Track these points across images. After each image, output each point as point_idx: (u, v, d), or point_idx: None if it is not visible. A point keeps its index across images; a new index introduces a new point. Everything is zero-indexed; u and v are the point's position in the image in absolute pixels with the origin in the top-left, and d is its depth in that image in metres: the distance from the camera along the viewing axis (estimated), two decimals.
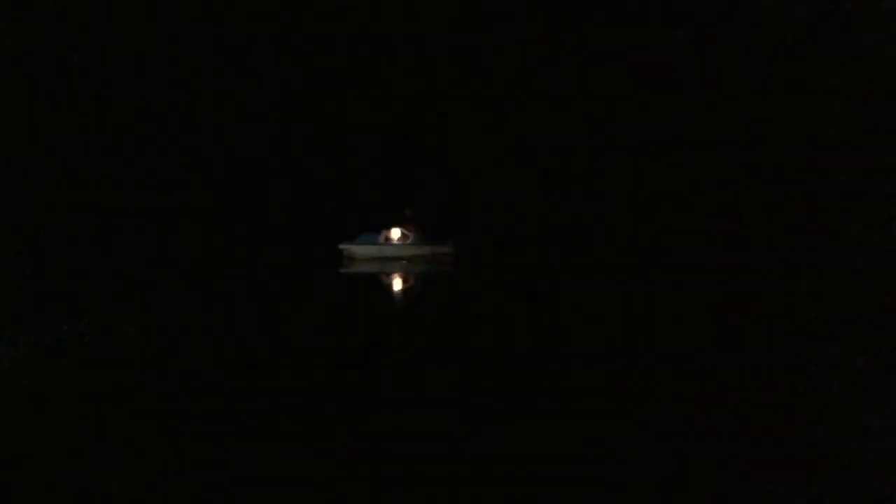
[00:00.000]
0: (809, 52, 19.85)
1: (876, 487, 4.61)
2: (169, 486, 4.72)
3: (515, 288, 14.68)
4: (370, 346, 9.00)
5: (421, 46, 25.71)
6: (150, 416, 6.07)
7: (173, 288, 14.41)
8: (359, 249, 18.72)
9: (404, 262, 18.57)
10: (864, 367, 7.55)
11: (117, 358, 8.19)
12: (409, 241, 18.99)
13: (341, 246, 18.88)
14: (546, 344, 8.99)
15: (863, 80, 18.78)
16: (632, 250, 20.17)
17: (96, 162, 19.01)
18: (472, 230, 22.35)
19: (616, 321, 10.51)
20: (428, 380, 7.30)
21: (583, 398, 6.59)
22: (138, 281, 15.02)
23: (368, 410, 6.26)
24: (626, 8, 23.62)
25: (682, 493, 4.66)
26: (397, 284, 16.03)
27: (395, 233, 18.94)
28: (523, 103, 26.12)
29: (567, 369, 7.66)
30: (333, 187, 26.05)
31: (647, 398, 6.59)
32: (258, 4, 24.48)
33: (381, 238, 19.03)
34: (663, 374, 7.45)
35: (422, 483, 4.78)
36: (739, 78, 21.74)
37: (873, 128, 18.58)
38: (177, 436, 5.61)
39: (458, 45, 25.64)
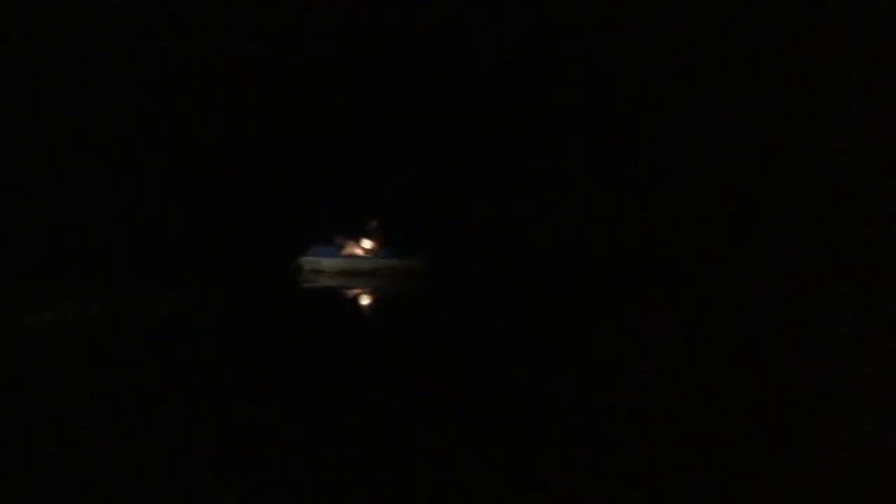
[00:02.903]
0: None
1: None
2: None
3: (494, 308, 13.46)
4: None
5: (390, 42, 24.45)
6: None
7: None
8: (327, 262, 17.29)
9: (375, 276, 17.25)
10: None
11: None
12: (379, 254, 17.68)
13: (304, 258, 17.41)
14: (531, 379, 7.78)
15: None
16: (619, 261, 19.01)
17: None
18: (441, 243, 21.08)
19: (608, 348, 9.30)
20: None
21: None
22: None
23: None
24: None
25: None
26: (367, 301, 14.80)
27: (367, 243, 17.59)
28: (499, 102, 25.02)
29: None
30: (281, 194, 24.48)
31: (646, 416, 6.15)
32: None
33: (346, 250, 17.65)
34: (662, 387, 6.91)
35: None
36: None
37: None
38: None
39: (433, 42, 24.47)
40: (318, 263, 17.38)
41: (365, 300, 15.11)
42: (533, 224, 22.76)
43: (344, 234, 17.97)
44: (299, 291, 15.74)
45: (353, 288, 16.07)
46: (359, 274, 17.35)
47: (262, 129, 24.93)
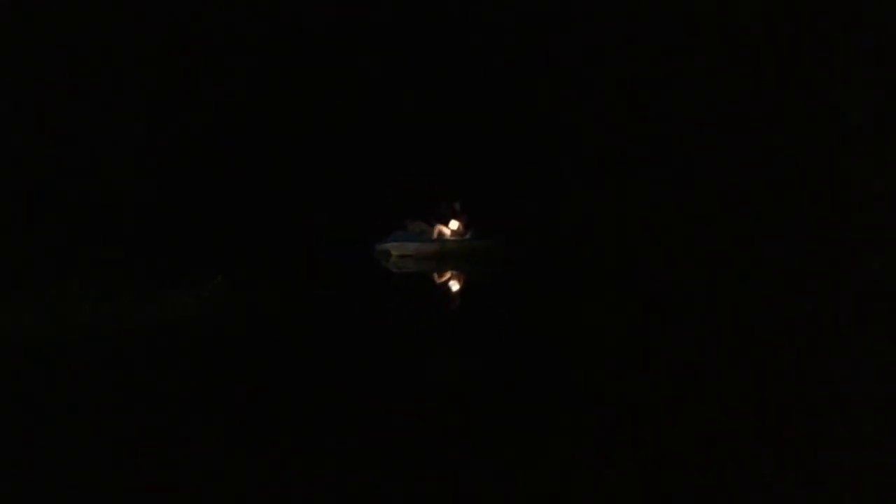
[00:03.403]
0: None
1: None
2: None
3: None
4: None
5: (462, 31, 24.07)
6: None
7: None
8: (415, 247, 16.70)
9: (460, 259, 16.72)
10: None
11: None
12: (465, 237, 17.11)
13: (390, 244, 16.78)
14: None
15: None
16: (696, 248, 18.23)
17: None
18: (520, 224, 20.54)
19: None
20: None
21: None
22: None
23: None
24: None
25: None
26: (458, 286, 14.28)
27: (454, 225, 17.01)
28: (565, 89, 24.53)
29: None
30: (355, 182, 24.22)
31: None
32: None
33: (434, 233, 17.08)
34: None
35: None
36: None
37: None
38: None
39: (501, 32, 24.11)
40: (406, 248, 16.81)
41: (460, 283, 14.61)
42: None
43: (418, 219, 17.40)
44: (393, 277, 15.25)
45: (443, 271, 15.55)
46: (446, 257, 16.79)
47: (315, 124, 24.75)
